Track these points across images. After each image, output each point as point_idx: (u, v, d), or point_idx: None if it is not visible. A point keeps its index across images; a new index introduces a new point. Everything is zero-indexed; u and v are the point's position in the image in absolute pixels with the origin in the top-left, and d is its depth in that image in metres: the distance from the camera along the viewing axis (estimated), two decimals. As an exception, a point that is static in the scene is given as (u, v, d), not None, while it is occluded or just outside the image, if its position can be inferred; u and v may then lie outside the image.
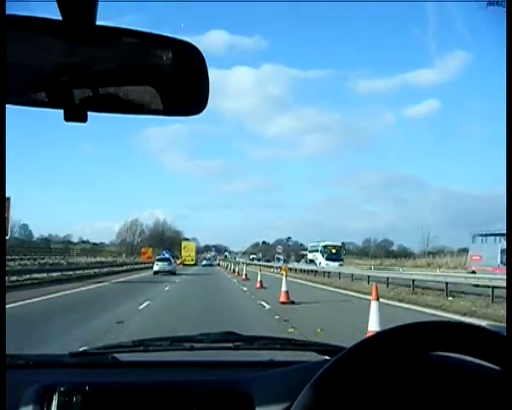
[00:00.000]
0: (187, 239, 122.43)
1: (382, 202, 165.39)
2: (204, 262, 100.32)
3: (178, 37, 1.03)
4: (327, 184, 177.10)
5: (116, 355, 1.83)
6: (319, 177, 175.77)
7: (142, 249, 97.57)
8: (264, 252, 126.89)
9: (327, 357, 1.63)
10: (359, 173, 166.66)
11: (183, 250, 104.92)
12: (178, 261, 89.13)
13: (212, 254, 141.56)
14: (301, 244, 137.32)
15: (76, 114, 1.01)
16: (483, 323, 12.61)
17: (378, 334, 0.95)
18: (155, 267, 49.32)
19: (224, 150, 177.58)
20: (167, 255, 64.22)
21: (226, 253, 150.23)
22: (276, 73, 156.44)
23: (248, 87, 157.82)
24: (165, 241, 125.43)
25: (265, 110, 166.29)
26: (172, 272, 47.67)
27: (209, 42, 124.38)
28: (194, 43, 1.04)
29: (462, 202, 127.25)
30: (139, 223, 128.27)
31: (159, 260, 52.61)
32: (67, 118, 1.00)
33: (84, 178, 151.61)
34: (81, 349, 1.95)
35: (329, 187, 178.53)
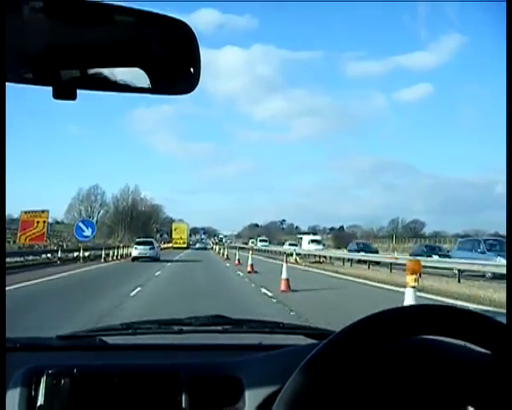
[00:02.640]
0: (180, 220, 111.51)
1: (373, 187, 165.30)
2: (197, 245, 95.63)
3: (170, 14, 1.02)
4: (318, 167, 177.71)
5: (104, 338, 1.83)
6: (310, 160, 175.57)
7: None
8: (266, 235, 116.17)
9: (316, 341, 1.63)
10: (351, 157, 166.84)
11: (173, 232, 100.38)
12: (163, 245, 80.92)
13: (202, 236, 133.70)
14: (296, 227, 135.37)
15: (65, 91, 1.00)
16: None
17: (367, 317, 0.96)
18: (134, 252, 40.66)
19: (213, 133, 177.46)
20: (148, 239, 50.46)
21: (221, 236, 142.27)
22: (266, 54, 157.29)
23: (238, 68, 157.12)
24: (137, 218, 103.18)
25: (255, 92, 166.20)
26: (155, 259, 39.65)
27: (199, 20, 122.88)
28: (184, 20, 1.02)
29: (453, 188, 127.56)
30: (99, 191, 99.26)
31: (138, 242, 42.67)
32: (56, 95, 0.99)
33: (70, 160, 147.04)
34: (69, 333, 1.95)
35: (321, 171, 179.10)
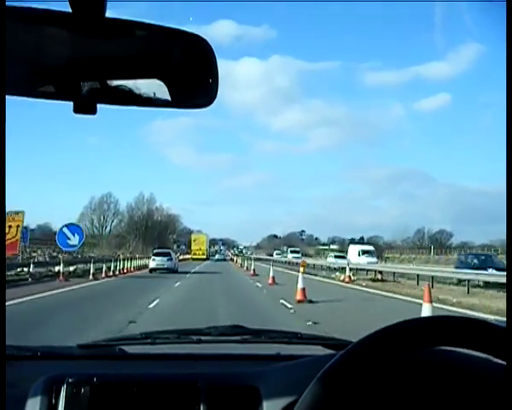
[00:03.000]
0: (199, 231, 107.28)
1: (391, 197, 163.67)
2: (217, 256, 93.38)
3: (187, 29, 1.03)
4: (335, 178, 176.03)
5: (124, 348, 1.84)
6: (327, 171, 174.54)
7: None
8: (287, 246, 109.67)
9: (333, 351, 1.63)
10: (368, 168, 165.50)
11: (193, 243, 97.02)
12: (182, 256, 79.71)
13: (221, 247, 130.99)
14: (316, 238, 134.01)
15: (85, 106, 1.01)
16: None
17: (384, 329, 0.95)
18: (151, 264, 39.81)
19: (230, 144, 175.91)
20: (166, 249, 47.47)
21: (241, 247, 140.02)
22: (283, 65, 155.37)
23: (256, 79, 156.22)
24: (152, 228, 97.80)
25: (273, 103, 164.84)
26: (173, 270, 38.21)
27: (216, 32, 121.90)
28: (202, 35, 1.03)
29: (471, 198, 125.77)
30: (113, 200, 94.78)
31: (156, 254, 41.53)
32: (77, 110, 1.00)
33: (89, 172, 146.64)
34: (89, 342, 1.96)
35: (338, 182, 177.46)
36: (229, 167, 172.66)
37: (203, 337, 1.91)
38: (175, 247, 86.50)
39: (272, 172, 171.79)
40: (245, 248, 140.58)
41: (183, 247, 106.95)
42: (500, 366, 1.10)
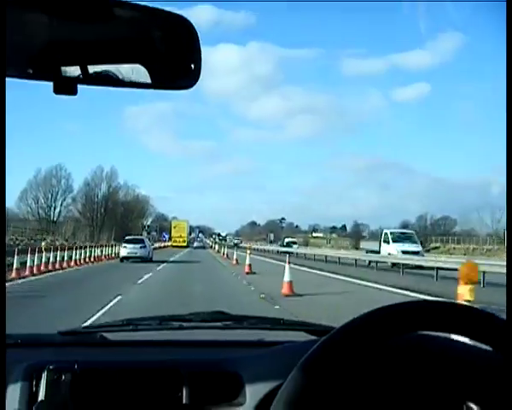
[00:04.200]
0: (174, 218, 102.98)
1: (369, 187, 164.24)
2: (196, 244, 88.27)
3: (170, 9, 1.02)
4: (314, 166, 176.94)
5: (105, 334, 1.83)
6: (306, 159, 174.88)
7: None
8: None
9: (316, 337, 1.63)
10: (348, 157, 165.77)
11: (173, 230, 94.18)
12: (159, 244, 73.78)
13: (199, 235, 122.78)
14: (297, 226, 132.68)
15: (65, 86, 1.00)
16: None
17: (367, 314, 0.95)
18: (123, 252, 35.83)
19: (208, 131, 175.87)
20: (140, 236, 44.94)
21: (224, 234, 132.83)
22: (263, 51, 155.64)
23: (234, 65, 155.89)
24: (114, 210, 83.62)
25: (252, 90, 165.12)
26: (146, 259, 34.03)
27: (194, 17, 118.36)
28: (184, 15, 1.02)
29: (449, 188, 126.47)
30: (63, 173, 75.93)
31: (128, 240, 37.29)
32: (56, 90, 0.99)
33: (65, 158, 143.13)
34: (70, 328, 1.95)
35: (317, 170, 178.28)
36: (206, 154, 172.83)
37: (185, 324, 1.91)
38: (144, 234, 72.70)
39: (251, 160, 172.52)
40: (228, 235, 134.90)
41: (154, 233, 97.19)
42: (480, 350, 1.12)
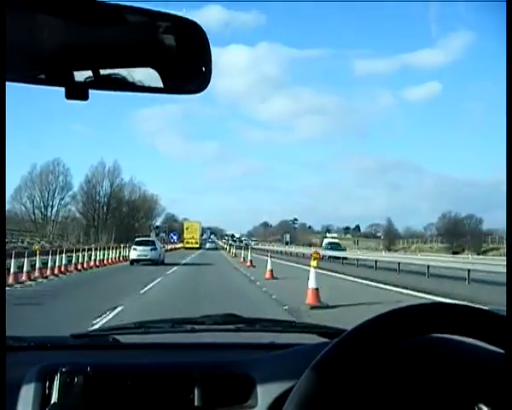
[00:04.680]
0: (185, 219, 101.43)
1: (378, 187, 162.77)
2: (208, 245, 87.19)
3: (180, 14, 1.02)
4: (324, 167, 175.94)
5: (117, 337, 1.84)
6: (316, 160, 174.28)
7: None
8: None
9: (328, 339, 1.63)
10: (356, 157, 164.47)
11: (185, 231, 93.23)
12: (171, 246, 70.37)
13: (211, 237, 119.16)
14: (309, 226, 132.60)
15: (77, 91, 1.00)
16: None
17: (379, 316, 0.95)
18: (133, 254, 34.17)
19: (217, 132, 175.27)
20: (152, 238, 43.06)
21: (238, 235, 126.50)
22: (272, 52, 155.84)
23: (244, 66, 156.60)
24: (118, 210, 77.97)
25: (261, 91, 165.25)
26: (157, 262, 32.86)
27: (205, 18, 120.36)
28: (195, 19, 1.02)
29: (459, 188, 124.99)
30: (61, 168, 69.26)
31: (138, 242, 35.59)
32: (68, 95, 0.99)
33: (74, 161, 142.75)
34: (83, 331, 1.96)
35: (327, 170, 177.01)
36: (216, 156, 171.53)
37: (197, 326, 1.91)
38: (153, 235, 68.34)
39: (260, 161, 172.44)
40: (242, 236, 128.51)
41: (163, 234, 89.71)
42: (491, 352, 1.11)
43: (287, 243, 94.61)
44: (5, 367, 1.27)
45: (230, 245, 68.12)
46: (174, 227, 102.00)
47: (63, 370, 1.34)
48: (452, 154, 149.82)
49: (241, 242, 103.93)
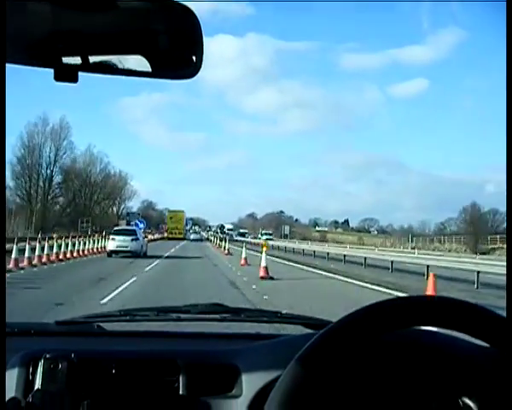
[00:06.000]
0: (166, 209, 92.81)
1: (364, 183, 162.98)
2: (192, 236, 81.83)
3: None
4: (310, 161, 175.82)
5: (102, 324, 1.83)
6: (302, 154, 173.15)
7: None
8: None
9: (313, 331, 1.63)
10: (342, 152, 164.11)
11: (169, 221, 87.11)
12: (150, 236, 56.83)
13: (193, 226, 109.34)
14: (296, 220, 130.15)
15: (67, 73, 1.00)
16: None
17: (365, 307, 0.96)
18: (111, 245, 29.74)
19: (203, 123, 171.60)
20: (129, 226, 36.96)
21: (229, 226, 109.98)
22: (260, 44, 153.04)
23: (231, 57, 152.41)
24: (66, 185, 62.16)
25: (248, 82, 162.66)
26: (138, 254, 28.91)
27: (191, 5, 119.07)
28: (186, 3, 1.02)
29: (445, 186, 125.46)
30: None
31: (117, 231, 31.41)
32: (58, 77, 0.99)
33: None
34: (67, 318, 1.95)
35: (313, 165, 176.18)
36: (201, 147, 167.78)
37: (182, 315, 1.91)
38: (123, 223, 58.19)
39: (245, 153, 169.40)
40: (233, 226, 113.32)
41: (139, 223, 61.46)
42: (477, 347, 1.12)
43: (285, 236, 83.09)
44: (5, 353, 1.27)
45: (221, 239, 54.41)
46: (151, 216, 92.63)
47: (47, 356, 1.33)
48: (438, 152, 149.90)
49: (244, 235, 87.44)
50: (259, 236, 74.88)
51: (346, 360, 0.94)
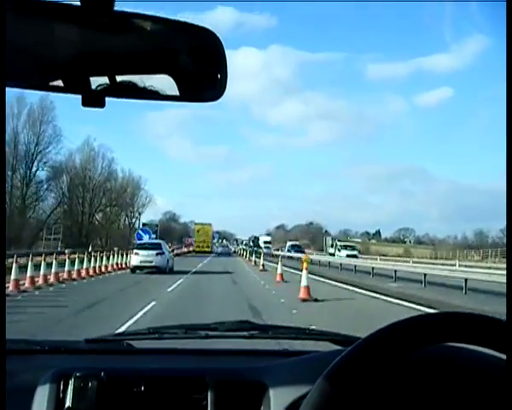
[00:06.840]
0: (192, 222, 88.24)
1: (388, 194, 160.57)
2: (220, 249, 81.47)
3: (196, 23, 1.03)
4: (334, 173, 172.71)
5: (131, 342, 1.85)
6: (326, 166, 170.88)
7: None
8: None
9: (341, 347, 1.62)
10: (366, 164, 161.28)
11: (196, 234, 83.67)
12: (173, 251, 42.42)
13: (219, 239, 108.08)
14: (326, 231, 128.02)
15: (94, 99, 1.01)
16: None
17: (392, 324, 0.95)
18: (134, 260, 27.77)
19: (227, 137, 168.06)
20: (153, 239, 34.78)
21: (269, 239, 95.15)
22: (283, 55, 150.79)
23: (255, 70, 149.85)
24: (55, 183, 50.36)
25: (272, 95, 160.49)
26: (163, 270, 26.76)
27: (215, 19, 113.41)
28: (210, 28, 1.03)
29: (468, 195, 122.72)
30: None
31: (141, 246, 29.64)
32: (85, 103, 1.01)
33: None
34: (96, 336, 1.97)
35: (337, 176, 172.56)
36: (225, 160, 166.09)
37: (210, 333, 1.91)
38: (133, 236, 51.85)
39: (270, 166, 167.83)
40: (271, 237, 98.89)
41: (143, 233, 50.56)
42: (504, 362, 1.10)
43: (331, 247, 64.61)
44: (5, 370, 1.26)
45: (251, 252, 48.06)
46: (174, 228, 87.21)
47: (77, 374, 1.35)
48: (462, 160, 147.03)
49: (260, 247, 72.48)
50: (286, 249, 64.14)
51: (375, 377, 0.94)
